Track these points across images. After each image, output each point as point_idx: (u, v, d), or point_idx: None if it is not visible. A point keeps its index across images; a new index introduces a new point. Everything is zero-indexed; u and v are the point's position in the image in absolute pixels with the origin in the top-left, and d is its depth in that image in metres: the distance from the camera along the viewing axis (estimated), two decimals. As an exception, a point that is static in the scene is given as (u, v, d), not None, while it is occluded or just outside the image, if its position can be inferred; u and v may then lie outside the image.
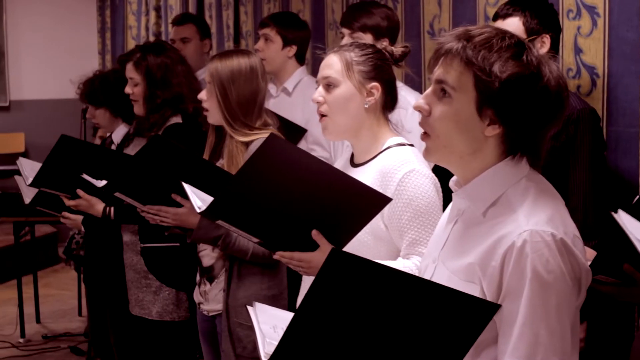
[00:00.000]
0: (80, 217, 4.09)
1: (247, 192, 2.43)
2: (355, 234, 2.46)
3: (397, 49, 2.73)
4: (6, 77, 9.45)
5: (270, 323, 2.15)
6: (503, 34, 1.84)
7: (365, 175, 2.56)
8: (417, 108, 1.89)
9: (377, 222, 2.50)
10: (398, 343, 1.72)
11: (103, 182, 3.31)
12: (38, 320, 6.72)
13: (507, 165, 1.86)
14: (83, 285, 6.78)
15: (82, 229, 4.16)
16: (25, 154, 9.48)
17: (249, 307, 2.31)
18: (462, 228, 1.91)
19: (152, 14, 7.80)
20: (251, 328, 3.07)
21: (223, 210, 2.52)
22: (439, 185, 2.57)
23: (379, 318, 1.70)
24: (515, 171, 1.86)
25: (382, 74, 2.64)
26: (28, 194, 4.20)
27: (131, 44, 8.28)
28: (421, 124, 1.90)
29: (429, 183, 2.53)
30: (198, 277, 3.40)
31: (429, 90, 1.88)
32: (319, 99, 2.64)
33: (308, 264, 2.46)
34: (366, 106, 2.62)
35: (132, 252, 3.90)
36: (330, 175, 2.38)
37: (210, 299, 3.31)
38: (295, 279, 3.11)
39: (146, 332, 3.87)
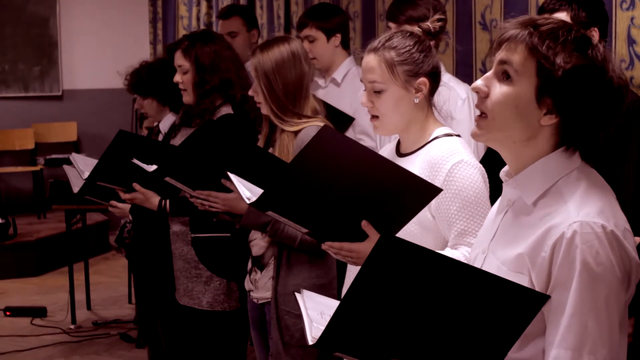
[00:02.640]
0: (128, 206, 4.12)
1: (299, 183, 2.43)
2: (404, 224, 2.46)
3: (434, 24, 2.71)
4: (59, 66, 9.57)
5: (317, 310, 2.17)
6: (570, 26, 1.83)
7: (413, 165, 2.56)
8: (475, 89, 1.88)
9: (424, 213, 2.50)
10: (445, 331, 1.73)
11: (154, 167, 3.34)
12: (89, 307, 6.80)
13: (559, 156, 1.85)
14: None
15: (130, 217, 4.19)
16: (77, 143, 9.61)
17: (296, 294, 2.32)
18: (512, 218, 1.91)
19: (204, 4, 7.83)
20: (299, 316, 3.11)
21: (273, 201, 2.53)
22: (486, 176, 2.57)
23: (427, 304, 1.71)
24: (567, 163, 1.85)
25: (427, 65, 2.63)
26: (76, 183, 4.25)
27: (182, 34, 8.30)
28: (477, 105, 1.89)
29: (477, 174, 2.53)
30: (249, 265, 3.42)
31: (489, 72, 1.88)
32: (367, 105, 2.64)
33: (357, 254, 2.46)
34: (416, 101, 2.62)
35: (182, 242, 3.91)
36: (380, 166, 2.38)
37: (260, 286, 3.33)
38: (343, 269, 3.12)
39: (196, 321, 3.89)
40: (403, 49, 2.59)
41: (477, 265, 1.97)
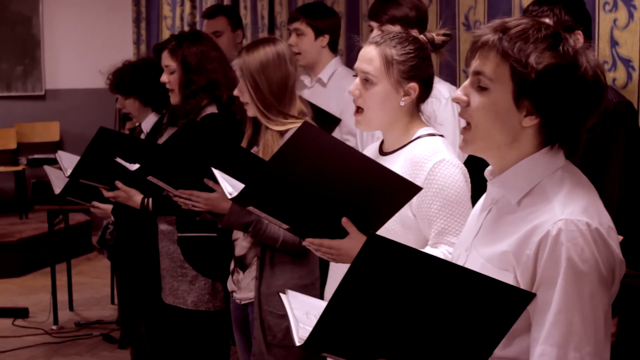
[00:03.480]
0: (109, 207, 4.12)
1: (280, 178, 2.44)
2: (384, 222, 2.46)
3: (438, 37, 2.72)
4: (42, 66, 9.53)
5: (302, 310, 2.16)
6: (539, 25, 1.85)
7: (395, 164, 2.57)
8: (456, 100, 1.91)
9: (405, 211, 2.51)
10: (432, 329, 1.74)
11: (136, 166, 3.33)
12: (71, 308, 6.78)
13: (543, 155, 1.86)
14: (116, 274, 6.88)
15: (112, 218, 4.18)
16: (60, 143, 9.58)
17: (281, 295, 2.31)
18: (496, 217, 1.92)
19: (187, 4, 7.82)
20: (282, 317, 3.13)
21: (255, 196, 2.53)
22: (468, 175, 2.58)
23: (414, 303, 1.71)
24: (551, 162, 1.87)
25: (422, 72, 2.63)
26: (58, 184, 4.24)
27: (166, 34, 8.31)
28: (461, 114, 1.92)
29: (458, 173, 2.54)
30: (232, 266, 3.42)
31: (466, 82, 1.90)
32: (355, 92, 2.64)
33: (337, 251, 2.46)
34: (402, 104, 2.62)
35: (168, 241, 3.91)
36: (362, 164, 2.39)
37: (243, 287, 3.33)
38: (326, 270, 3.13)
39: (180, 321, 3.88)
40: (404, 49, 2.61)
41: (461, 262, 1.97)
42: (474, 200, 2.63)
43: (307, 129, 2.38)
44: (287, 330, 3.15)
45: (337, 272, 2.77)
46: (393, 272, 1.69)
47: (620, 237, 2.13)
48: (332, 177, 2.38)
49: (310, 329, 1.83)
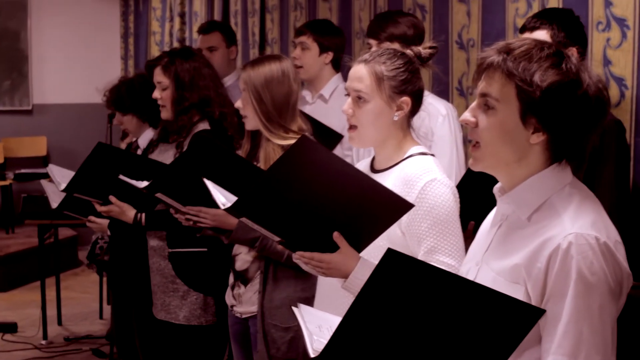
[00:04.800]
0: (106, 222, 4.13)
1: (275, 190, 2.46)
2: (375, 238, 2.48)
3: (425, 50, 2.76)
4: (29, 81, 9.53)
5: (315, 323, 2.20)
6: (542, 44, 1.91)
7: (386, 182, 2.59)
8: (464, 121, 1.97)
9: (394, 229, 2.53)
10: (444, 342, 1.77)
11: (144, 183, 3.36)
12: (60, 323, 6.78)
13: (551, 172, 1.92)
14: (105, 289, 6.88)
15: (108, 232, 4.20)
16: (47, 158, 9.57)
17: (294, 308, 2.34)
18: (506, 232, 1.97)
19: (177, 20, 7.86)
20: (285, 330, 3.16)
21: (249, 208, 2.54)
22: (457, 195, 2.62)
23: (427, 317, 1.75)
24: (559, 178, 1.92)
25: (412, 86, 2.67)
26: (55, 199, 4.25)
27: (155, 50, 8.35)
28: (470, 135, 1.97)
29: (449, 192, 2.57)
30: (231, 280, 3.45)
31: (474, 104, 1.96)
32: (349, 112, 2.68)
33: (327, 265, 2.48)
34: (395, 119, 2.65)
35: (159, 256, 3.93)
36: (356, 179, 2.42)
37: (245, 301, 3.36)
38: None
39: (172, 336, 3.90)
40: (393, 65, 2.65)
41: (471, 276, 2.02)
42: (475, 218, 2.70)
43: (304, 142, 2.41)
44: (291, 343, 3.20)
45: (324, 287, 2.79)
46: (408, 286, 1.73)
47: None
48: (326, 191, 2.41)
49: (324, 341, 1.86)
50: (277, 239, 2.58)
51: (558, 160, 1.93)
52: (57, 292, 6.73)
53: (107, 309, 6.80)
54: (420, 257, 2.55)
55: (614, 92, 3.66)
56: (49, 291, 6.55)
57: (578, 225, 1.82)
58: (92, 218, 4.14)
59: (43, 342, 6.33)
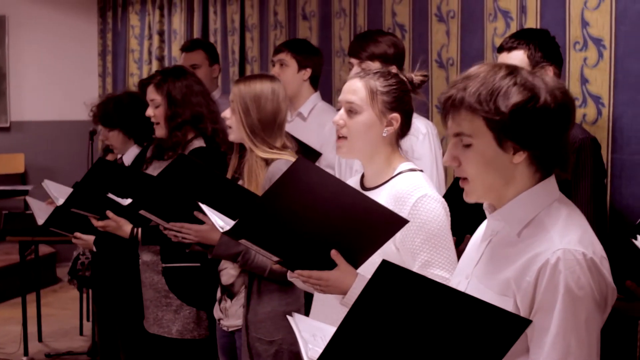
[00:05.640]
0: (92, 238, 4.18)
1: (272, 212, 2.51)
2: (371, 254, 2.53)
3: (417, 77, 2.83)
4: (7, 98, 9.53)
5: (309, 331, 2.26)
6: (494, 68, 1.98)
7: (378, 199, 2.63)
8: (447, 164, 2.05)
9: (389, 245, 2.59)
10: (436, 351, 1.83)
11: (128, 201, 3.42)
12: (40, 339, 6.77)
13: (539, 189, 2.00)
14: (85, 305, 6.90)
15: (94, 249, 4.24)
16: (24, 175, 9.56)
17: (288, 317, 2.40)
18: (496, 246, 2.05)
19: (156, 37, 7.90)
20: (269, 343, 3.23)
21: (247, 230, 2.59)
22: (448, 209, 2.68)
23: (420, 327, 1.81)
24: (547, 195, 2.00)
25: (403, 105, 2.74)
26: (41, 215, 4.30)
27: (133, 67, 8.39)
28: (456, 172, 2.05)
29: (440, 207, 2.64)
30: (219, 294, 3.51)
31: (451, 144, 2.03)
32: (340, 122, 2.74)
33: (326, 282, 2.52)
34: (384, 135, 2.72)
35: (152, 271, 3.98)
36: (352, 197, 2.46)
37: (231, 314, 3.42)
38: (311, 297, 3.23)
39: (164, 350, 3.95)
40: (387, 82, 2.72)
41: (461, 289, 2.08)
42: (456, 231, 2.77)
43: (301, 164, 2.45)
44: (275, 356, 3.26)
45: (320, 304, 2.84)
46: (402, 297, 1.79)
47: None
48: (322, 210, 2.45)
49: (319, 350, 1.92)
50: (276, 259, 2.62)
51: (544, 170, 2.00)
52: (37, 309, 6.72)
53: (87, 325, 6.82)
54: (415, 271, 2.59)
55: (591, 110, 3.75)
56: (29, 308, 6.56)
57: (566, 241, 1.90)
58: (77, 234, 4.20)
59: (24, 358, 6.31)
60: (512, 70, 1.96)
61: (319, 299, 2.85)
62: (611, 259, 2.43)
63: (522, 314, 1.91)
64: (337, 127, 2.76)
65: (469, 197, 2.05)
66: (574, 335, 1.86)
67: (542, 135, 1.95)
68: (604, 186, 3.60)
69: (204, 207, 2.99)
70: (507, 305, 1.91)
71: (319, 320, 2.65)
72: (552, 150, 1.98)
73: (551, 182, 2.02)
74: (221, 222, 2.87)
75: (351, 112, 2.72)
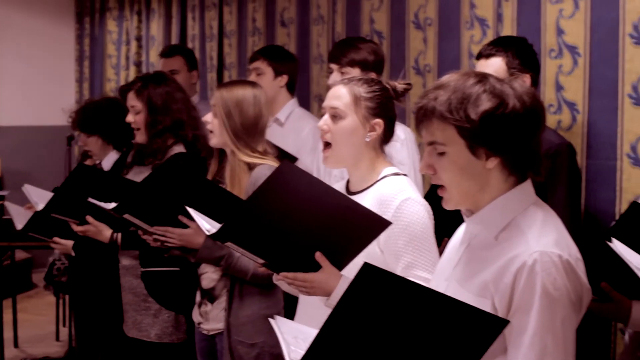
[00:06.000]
0: (70, 243, 4.20)
1: (258, 215, 2.55)
2: (355, 256, 2.57)
3: (400, 86, 2.88)
4: (-17, 103, 9.51)
5: (291, 333, 2.29)
6: (464, 76, 2.04)
7: (363, 203, 2.68)
8: (423, 172, 2.10)
9: (372, 247, 2.63)
10: (416, 351, 1.87)
11: (112, 205, 3.44)
12: (16, 345, 6.75)
13: (515, 193, 2.05)
14: (61, 311, 6.89)
15: (73, 253, 4.26)
16: (0, 180, 9.53)
17: (270, 320, 2.43)
18: (474, 250, 2.09)
19: (133, 43, 7.90)
20: (251, 346, 3.26)
21: (233, 233, 2.63)
22: (431, 212, 2.73)
23: (401, 328, 1.85)
24: (523, 199, 2.05)
25: (387, 111, 2.80)
26: (20, 220, 4.30)
27: (110, 73, 8.39)
28: (433, 180, 2.10)
29: (423, 210, 2.69)
30: (198, 298, 3.53)
31: (426, 153, 2.08)
32: (324, 127, 2.78)
33: (311, 284, 2.56)
34: (367, 140, 2.76)
35: (131, 275, 4.01)
36: (336, 200, 2.51)
37: (211, 318, 3.45)
38: (290, 301, 3.26)
39: (143, 353, 3.97)
40: (371, 88, 2.77)
41: (441, 291, 2.12)
42: (437, 233, 2.82)
43: (287, 167, 2.51)
44: (257, 359, 3.29)
45: (305, 306, 2.88)
46: (383, 298, 1.83)
47: None
48: (307, 213, 2.50)
49: (301, 351, 1.96)
50: (261, 261, 2.66)
51: (518, 174, 2.05)
52: (13, 314, 6.71)
53: (63, 330, 6.80)
54: (398, 272, 2.64)
55: (566, 116, 3.81)
56: (5, 313, 6.54)
57: (542, 244, 1.95)
58: (56, 239, 4.21)
59: (0, 364, 6.31)
60: (481, 78, 2.01)
61: (304, 300, 2.89)
62: (586, 261, 2.49)
63: (500, 315, 1.95)
64: (321, 133, 2.80)
65: (447, 205, 2.10)
66: (551, 335, 1.91)
67: (512, 140, 2.00)
68: (579, 191, 3.66)
69: (191, 211, 3.03)
70: (485, 306, 1.95)
71: (304, 321, 2.69)
72: (524, 154, 2.03)
73: (527, 186, 2.06)
74: (208, 225, 2.91)
75: (335, 117, 2.77)
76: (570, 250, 1.99)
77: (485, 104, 1.97)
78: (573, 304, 1.94)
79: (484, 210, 2.06)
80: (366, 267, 1.82)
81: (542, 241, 1.95)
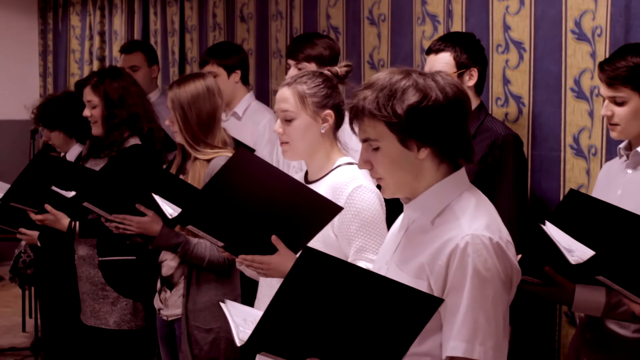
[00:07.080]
0: (36, 233, 4.29)
1: (217, 199, 2.69)
2: (309, 240, 2.71)
3: (341, 69, 3.01)
4: (-53, 98, 9.52)
5: (240, 316, 2.42)
6: (390, 74, 2.16)
7: (319, 190, 2.81)
8: (361, 168, 2.23)
9: (327, 232, 2.78)
10: (356, 330, 2.00)
11: (72, 193, 3.54)
12: (-19, 336, 6.84)
13: (450, 180, 2.18)
14: (27, 303, 6.96)
15: (38, 244, 4.35)
16: (-36, 174, 9.54)
17: (221, 304, 2.56)
18: (412, 234, 2.22)
19: (97, 38, 7.97)
20: (207, 331, 3.40)
21: (194, 217, 2.77)
22: (382, 199, 2.86)
23: (341, 308, 1.98)
24: (457, 185, 2.19)
25: (333, 100, 2.92)
26: None
27: (74, 68, 8.44)
28: (371, 175, 2.23)
29: (374, 197, 2.82)
30: (159, 285, 3.65)
31: (362, 149, 2.21)
32: (279, 131, 2.92)
33: (267, 266, 2.71)
34: (322, 131, 2.89)
35: (88, 265, 4.11)
36: (290, 186, 2.66)
37: (170, 304, 3.57)
38: (247, 287, 3.40)
39: (103, 341, 4.08)
40: (313, 83, 2.90)
41: (381, 273, 2.26)
42: (391, 220, 2.96)
43: (243, 154, 2.66)
44: (213, 344, 3.43)
45: (265, 288, 3.02)
46: (324, 280, 1.96)
47: (519, 255, 2.46)
48: (263, 198, 2.64)
49: (249, 332, 2.08)
50: (221, 244, 2.80)
51: (450, 161, 2.18)
52: (-21, 306, 6.78)
53: (30, 322, 6.87)
54: (351, 255, 2.79)
55: (512, 109, 3.96)
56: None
57: (474, 227, 2.08)
58: (22, 230, 4.30)
59: (-34, 355, 6.38)
60: (405, 74, 2.13)
61: (264, 283, 3.02)
62: (530, 246, 2.62)
63: (436, 295, 2.07)
64: (278, 135, 2.94)
65: (385, 194, 2.25)
66: (482, 312, 2.04)
67: (439, 131, 2.13)
68: (526, 180, 3.81)
69: (156, 197, 3.17)
70: (421, 287, 2.08)
71: (263, 303, 2.82)
72: (453, 143, 2.16)
73: (461, 174, 2.20)
74: (171, 210, 3.04)
75: (287, 119, 2.89)
76: (501, 233, 2.12)
77: (410, 98, 2.10)
78: (503, 284, 2.07)
79: (421, 197, 2.19)
80: (307, 250, 1.94)
81: (474, 225, 2.09)
